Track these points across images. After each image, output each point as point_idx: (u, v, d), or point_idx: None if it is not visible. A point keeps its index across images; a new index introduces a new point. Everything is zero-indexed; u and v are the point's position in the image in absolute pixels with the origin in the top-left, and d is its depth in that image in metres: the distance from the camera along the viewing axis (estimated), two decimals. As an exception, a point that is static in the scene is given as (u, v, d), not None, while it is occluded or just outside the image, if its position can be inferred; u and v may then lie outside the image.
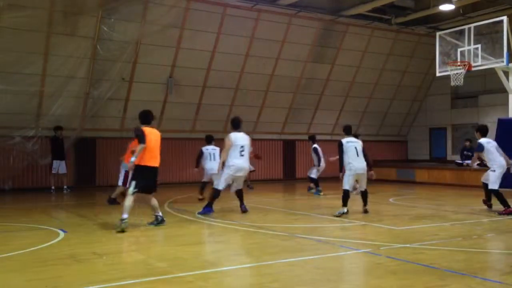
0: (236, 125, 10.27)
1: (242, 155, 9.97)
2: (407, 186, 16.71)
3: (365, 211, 10.00)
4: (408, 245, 6.86)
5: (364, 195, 10.13)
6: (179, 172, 18.24)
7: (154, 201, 8.32)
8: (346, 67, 19.97)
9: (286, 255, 6.17)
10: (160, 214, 8.38)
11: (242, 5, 16.44)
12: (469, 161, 17.10)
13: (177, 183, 17.89)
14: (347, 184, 9.82)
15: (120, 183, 11.38)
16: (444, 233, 7.89)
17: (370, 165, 10.15)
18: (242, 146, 9.98)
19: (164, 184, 17.57)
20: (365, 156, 9.99)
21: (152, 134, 8.08)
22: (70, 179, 15.76)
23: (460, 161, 17.61)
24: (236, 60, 17.65)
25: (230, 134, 10.09)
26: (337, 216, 9.50)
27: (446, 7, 15.34)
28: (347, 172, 9.90)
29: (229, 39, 17.06)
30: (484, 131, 10.53)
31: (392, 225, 8.80)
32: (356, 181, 10.29)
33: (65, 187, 15.00)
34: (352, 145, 9.90)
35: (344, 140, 9.98)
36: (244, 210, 10.12)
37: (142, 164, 7.92)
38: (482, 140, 10.37)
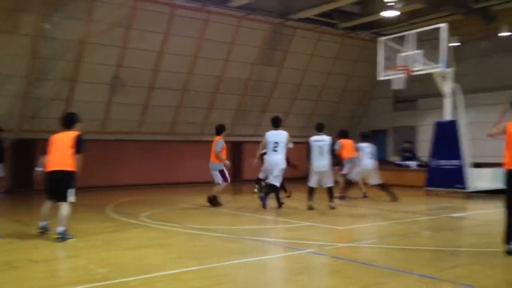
0: (274, 124, 11.04)
1: (275, 151, 10.64)
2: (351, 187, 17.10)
3: (312, 208, 10.56)
4: (350, 244, 7.05)
5: (328, 191, 10.77)
6: (123, 174, 17.89)
7: (48, 211, 7.41)
8: (294, 70, 20.23)
9: (231, 257, 6.18)
10: (43, 225, 7.39)
11: (191, 6, 16.32)
12: (408, 162, 17.82)
13: (120, 186, 17.54)
14: (310, 181, 10.75)
15: (220, 181, 11.52)
16: (383, 231, 8.15)
17: (334, 163, 10.98)
18: (275, 142, 10.68)
19: (106, 187, 17.19)
20: (332, 154, 10.75)
21: (54, 139, 7.42)
22: (6, 182, 15.06)
23: (400, 162, 18.27)
24: (184, 61, 17.49)
25: (266, 133, 11.00)
26: (311, 208, 10.54)
27: (389, 13, 15.84)
28: (311, 170, 10.71)
29: (178, 40, 16.89)
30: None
31: (335, 225, 9.01)
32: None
33: (1, 191, 14.36)
34: (317, 144, 10.64)
35: (312, 139, 10.74)
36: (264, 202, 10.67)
37: (45, 171, 7.42)
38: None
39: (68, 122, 7.57)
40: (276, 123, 11.03)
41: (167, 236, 7.76)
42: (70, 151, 7.27)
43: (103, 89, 16.58)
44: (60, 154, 7.27)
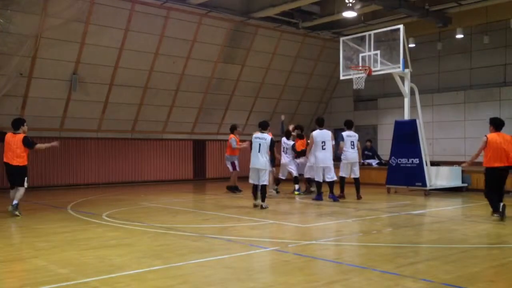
0: (319, 123, 12.26)
1: (324, 149, 11.88)
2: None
3: (258, 205, 10.68)
4: (314, 242, 7.13)
5: (260, 190, 10.79)
6: (84, 172, 17.51)
7: (15, 193, 9.70)
8: (256, 68, 20.28)
9: (196, 256, 6.15)
10: (14, 203, 9.59)
11: (151, 2, 16.09)
12: (369, 161, 18.18)
13: (81, 185, 17.17)
14: (251, 178, 10.78)
15: (231, 170, 13.89)
16: (347, 229, 8.28)
17: (272, 162, 11.07)
18: (323, 142, 11.90)
19: (67, 186, 16.80)
20: (271, 152, 10.75)
21: (7, 139, 9.85)
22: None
23: (361, 160, 18.58)
24: (145, 58, 17.23)
25: (313, 132, 12.13)
26: (263, 208, 10.56)
27: (348, 14, 16.10)
28: (250, 166, 10.77)
29: (138, 36, 16.62)
30: (348, 125, 12.76)
31: (299, 222, 9.10)
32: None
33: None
34: (257, 142, 10.68)
35: (254, 136, 10.80)
36: (335, 199, 11.99)
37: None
38: (344, 133, 12.49)
39: (15, 125, 9.96)
40: (321, 123, 12.27)
41: (130, 236, 7.64)
42: (19, 150, 9.73)
43: (61, 86, 16.14)
44: (13, 152, 9.71)
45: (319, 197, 12.16)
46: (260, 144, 10.59)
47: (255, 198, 10.80)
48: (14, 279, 5.15)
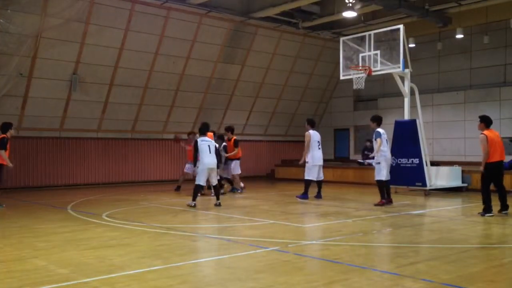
0: (312, 124, 12.80)
1: (319, 148, 12.53)
2: (313, 185, 17.29)
3: (218, 205, 11.00)
4: (314, 242, 7.13)
5: (216, 188, 11.37)
6: (84, 172, 17.50)
7: None
8: (256, 68, 20.28)
9: (195, 255, 6.15)
10: None
11: (151, 2, 16.09)
12: (369, 161, 18.16)
13: (81, 185, 17.16)
14: (200, 179, 11.04)
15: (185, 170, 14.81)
16: (347, 229, 8.28)
17: (220, 162, 11.65)
18: (318, 142, 12.57)
19: (66, 186, 16.80)
20: (217, 154, 11.36)
21: None
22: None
23: (361, 160, 18.58)
24: (145, 58, 17.23)
25: (309, 132, 12.53)
26: (190, 206, 10.83)
27: (348, 14, 16.10)
28: (200, 167, 11.02)
29: (138, 36, 16.62)
30: (378, 121, 11.75)
31: (299, 223, 9.10)
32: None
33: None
34: (205, 144, 11.13)
35: (199, 140, 11.17)
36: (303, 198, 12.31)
37: None
38: (380, 129, 11.55)
39: (3, 129, 11.09)
40: (314, 124, 12.89)
41: (130, 236, 7.63)
42: None
43: (61, 86, 16.13)
44: None
45: (305, 196, 12.35)
46: (209, 146, 11.11)
47: (195, 198, 11.01)
48: (13, 279, 5.14)
